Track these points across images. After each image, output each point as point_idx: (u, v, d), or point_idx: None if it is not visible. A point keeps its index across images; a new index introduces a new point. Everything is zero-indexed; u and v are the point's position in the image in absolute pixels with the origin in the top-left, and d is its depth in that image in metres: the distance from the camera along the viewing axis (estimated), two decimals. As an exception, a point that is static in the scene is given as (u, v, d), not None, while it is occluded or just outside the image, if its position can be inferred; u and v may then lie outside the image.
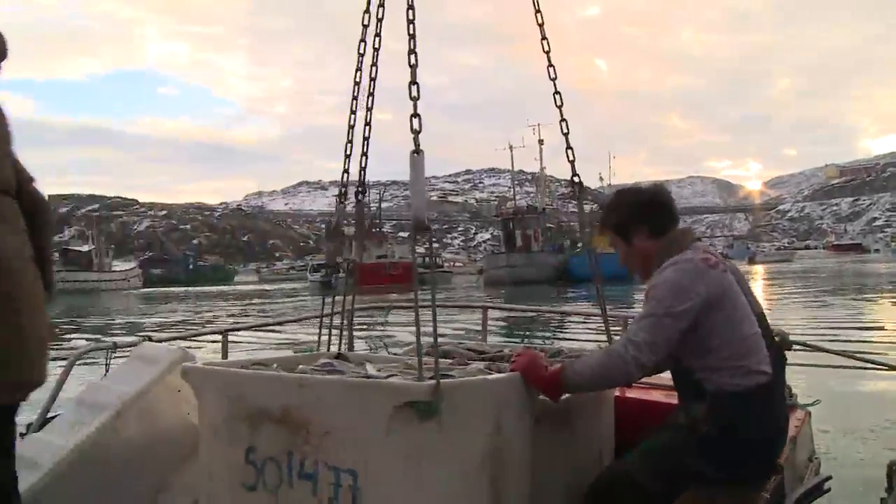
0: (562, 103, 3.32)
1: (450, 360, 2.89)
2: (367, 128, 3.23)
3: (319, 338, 3.34)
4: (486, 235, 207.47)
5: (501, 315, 22.18)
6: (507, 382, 2.43)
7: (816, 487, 2.75)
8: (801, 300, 26.10)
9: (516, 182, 73.52)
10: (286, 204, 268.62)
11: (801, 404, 3.44)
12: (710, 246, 2.78)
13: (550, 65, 3.36)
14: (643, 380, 3.84)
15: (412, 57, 2.42)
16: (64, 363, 3.41)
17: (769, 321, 2.71)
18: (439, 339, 2.33)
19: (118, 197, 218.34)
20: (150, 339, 3.56)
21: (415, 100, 2.33)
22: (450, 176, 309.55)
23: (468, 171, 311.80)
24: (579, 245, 68.55)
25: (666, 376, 2.77)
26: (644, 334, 2.47)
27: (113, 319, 29.62)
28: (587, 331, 19.73)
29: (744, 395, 2.48)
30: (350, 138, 3.24)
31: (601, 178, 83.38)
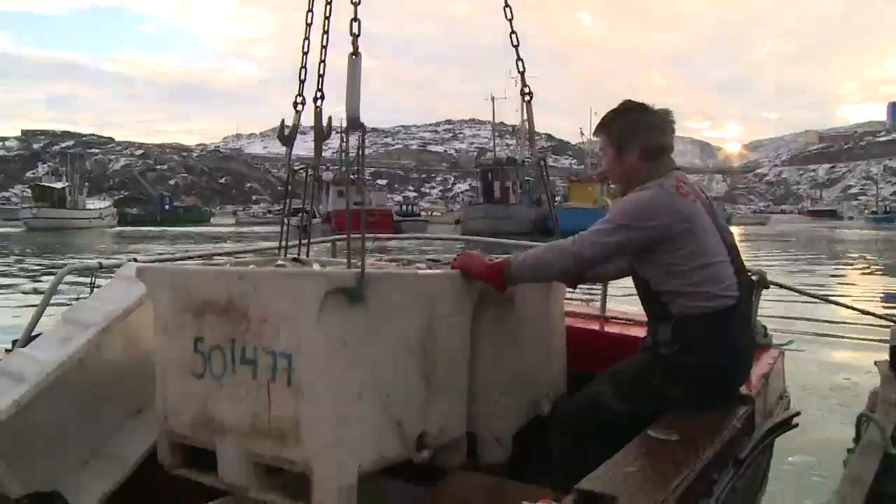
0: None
1: (396, 263, 3.12)
2: (325, 35, 3.23)
3: (280, 243, 3.49)
4: (465, 186, 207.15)
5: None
6: (440, 277, 2.66)
7: (786, 421, 2.81)
8: (778, 264, 26.41)
9: (497, 134, 73.14)
10: (265, 147, 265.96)
11: (776, 343, 3.53)
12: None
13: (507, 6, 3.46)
14: (620, 315, 3.94)
15: None
16: (50, 281, 3.47)
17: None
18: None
19: (94, 134, 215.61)
20: (135, 259, 3.58)
21: (356, 4, 2.53)
22: (430, 125, 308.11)
23: (448, 122, 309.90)
24: (557, 198, 69.30)
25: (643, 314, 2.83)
26: (594, 235, 2.59)
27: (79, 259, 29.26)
28: None
29: (706, 317, 2.57)
30: (308, 22, 3.25)
31: (582, 133, 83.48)
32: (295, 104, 3.27)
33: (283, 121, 3.24)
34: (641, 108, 2.80)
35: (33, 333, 3.20)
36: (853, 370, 7.77)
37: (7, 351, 3.18)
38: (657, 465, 2.09)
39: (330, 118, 3.15)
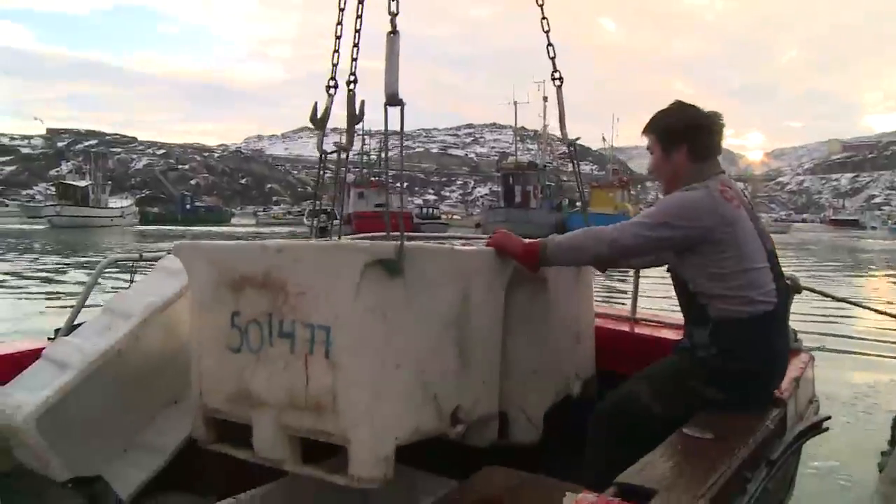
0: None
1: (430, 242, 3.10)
2: (359, 20, 3.23)
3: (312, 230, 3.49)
4: (485, 190, 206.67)
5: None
6: (476, 254, 2.69)
7: (816, 425, 2.82)
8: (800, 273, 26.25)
9: (518, 138, 73.13)
10: (286, 149, 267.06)
11: (807, 347, 3.53)
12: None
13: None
14: (652, 317, 3.97)
15: None
16: (91, 272, 3.54)
17: None
18: None
19: (117, 134, 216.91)
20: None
21: None
22: (451, 129, 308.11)
23: (469, 126, 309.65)
24: (577, 204, 69.01)
25: (677, 316, 2.84)
26: (636, 227, 2.64)
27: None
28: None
29: (745, 322, 2.59)
30: (342, 7, 3.26)
31: (604, 139, 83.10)
32: (328, 87, 3.28)
33: (315, 103, 3.25)
34: (692, 109, 2.82)
35: (75, 323, 3.26)
36: (876, 377, 7.76)
37: (50, 339, 3.25)
38: (693, 462, 2.11)
39: (363, 101, 3.15)
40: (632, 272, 4.08)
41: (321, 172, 3.41)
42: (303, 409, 2.26)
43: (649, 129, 2.87)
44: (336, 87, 3.28)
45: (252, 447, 2.44)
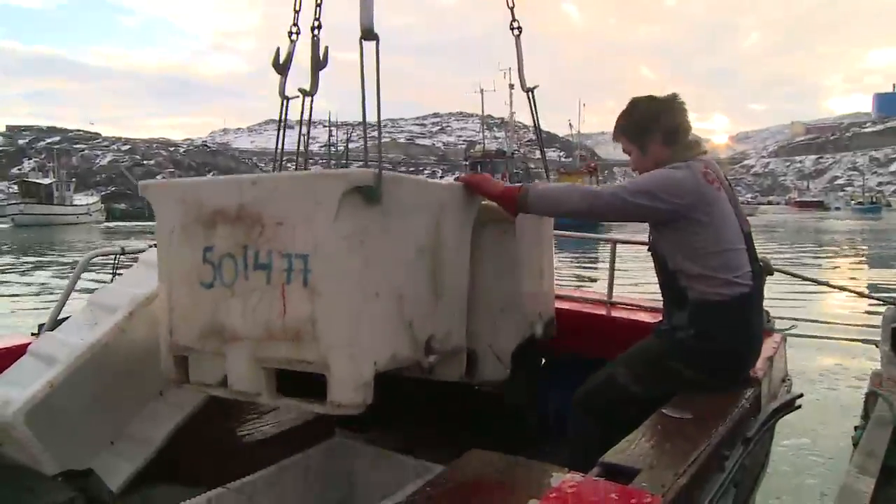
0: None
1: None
2: None
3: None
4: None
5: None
6: (447, 187, 2.71)
7: (788, 403, 2.89)
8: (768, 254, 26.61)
9: (485, 127, 73.15)
10: (252, 142, 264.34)
11: (778, 329, 3.62)
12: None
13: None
14: (628, 301, 4.04)
15: None
16: (59, 270, 3.52)
17: None
18: None
19: (80, 130, 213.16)
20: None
21: None
22: (417, 118, 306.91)
23: (436, 115, 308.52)
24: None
25: (652, 299, 2.88)
26: (618, 190, 2.69)
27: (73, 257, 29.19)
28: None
29: (723, 304, 2.66)
30: None
31: (570, 126, 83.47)
32: (290, 33, 3.21)
33: (277, 49, 3.20)
34: (648, 99, 2.89)
35: (59, 318, 3.27)
36: (844, 357, 7.93)
37: (34, 335, 3.27)
38: (674, 441, 2.19)
39: (326, 47, 3.08)
40: (605, 258, 4.16)
41: (283, 116, 3.29)
42: (280, 340, 2.27)
43: (618, 132, 2.94)
44: (299, 32, 3.21)
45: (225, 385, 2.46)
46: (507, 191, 2.77)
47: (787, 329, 3.71)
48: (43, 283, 18.01)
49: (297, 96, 3.22)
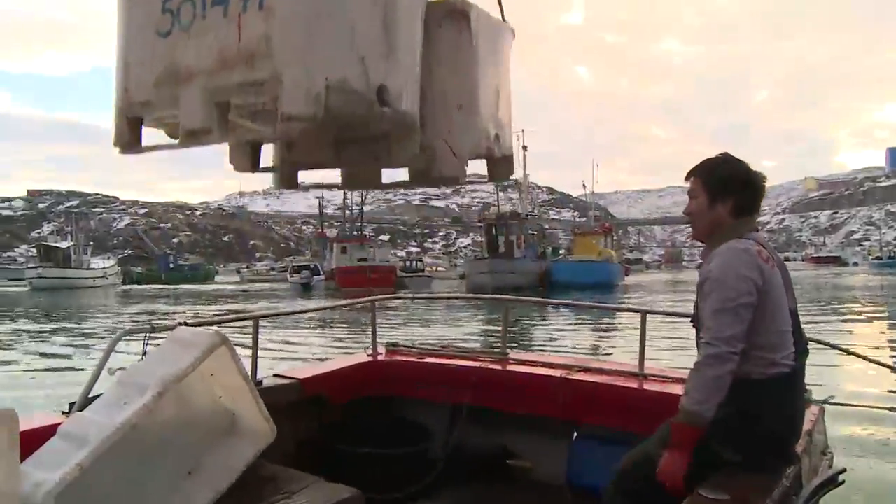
0: None
1: None
2: None
3: None
4: (467, 241, 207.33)
5: (484, 317, 22.49)
6: None
7: (831, 479, 2.82)
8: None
9: (499, 188, 73.64)
10: (267, 205, 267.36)
11: (816, 400, 3.52)
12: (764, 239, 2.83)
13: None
14: (661, 373, 3.97)
15: None
16: (103, 345, 3.54)
17: None
18: None
19: (98, 193, 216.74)
20: (185, 323, 3.67)
21: None
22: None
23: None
24: (561, 251, 69.49)
25: (686, 371, 2.82)
26: (727, 328, 2.55)
27: (92, 324, 29.37)
28: (564, 328, 20.31)
29: (765, 384, 2.60)
30: None
31: (584, 186, 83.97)
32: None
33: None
34: (742, 163, 2.86)
35: (90, 395, 3.27)
36: (881, 423, 7.75)
37: (64, 413, 3.26)
38: None
39: None
40: (623, 324, 4.11)
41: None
42: (234, 67, 2.30)
43: (699, 174, 2.87)
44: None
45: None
46: (682, 436, 2.58)
47: (825, 400, 3.64)
48: (58, 354, 18.04)
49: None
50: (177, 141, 2.56)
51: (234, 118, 2.44)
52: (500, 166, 3.21)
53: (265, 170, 3.02)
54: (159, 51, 2.47)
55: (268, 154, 2.99)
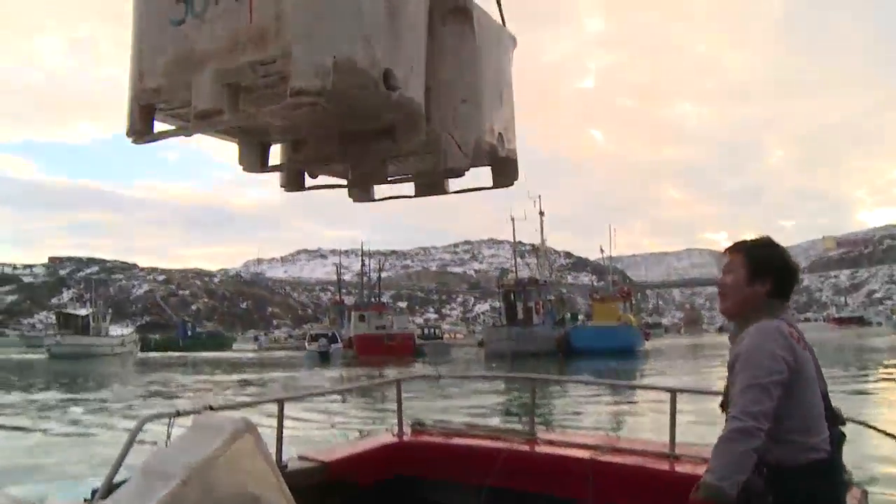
0: None
1: None
2: None
3: None
4: (485, 307, 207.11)
5: (505, 387, 22.29)
6: None
7: None
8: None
9: (517, 254, 73.92)
10: (285, 272, 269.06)
11: (858, 482, 3.42)
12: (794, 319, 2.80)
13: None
14: (693, 453, 3.84)
15: None
16: (127, 429, 3.50)
17: None
18: None
19: (117, 260, 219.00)
20: (211, 407, 3.68)
21: None
22: (449, 246, 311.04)
23: (467, 242, 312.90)
24: (580, 317, 69.14)
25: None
26: (755, 405, 2.48)
27: (106, 396, 29.32)
28: (588, 400, 20.05)
29: (803, 470, 2.52)
30: None
31: (602, 251, 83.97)
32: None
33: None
34: (784, 251, 2.87)
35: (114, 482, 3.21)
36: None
37: (87, 501, 3.22)
38: None
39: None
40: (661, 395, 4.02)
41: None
42: (245, 47, 2.38)
43: (742, 251, 2.85)
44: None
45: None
46: None
47: (866, 483, 3.52)
48: (76, 421, 17.97)
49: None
50: (189, 125, 2.63)
51: (245, 106, 2.53)
52: (505, 169, 3.30)
53: (273, 168, 3.12)
54: (173, 38, 2.56)
55: (273, 156, 3.08)
